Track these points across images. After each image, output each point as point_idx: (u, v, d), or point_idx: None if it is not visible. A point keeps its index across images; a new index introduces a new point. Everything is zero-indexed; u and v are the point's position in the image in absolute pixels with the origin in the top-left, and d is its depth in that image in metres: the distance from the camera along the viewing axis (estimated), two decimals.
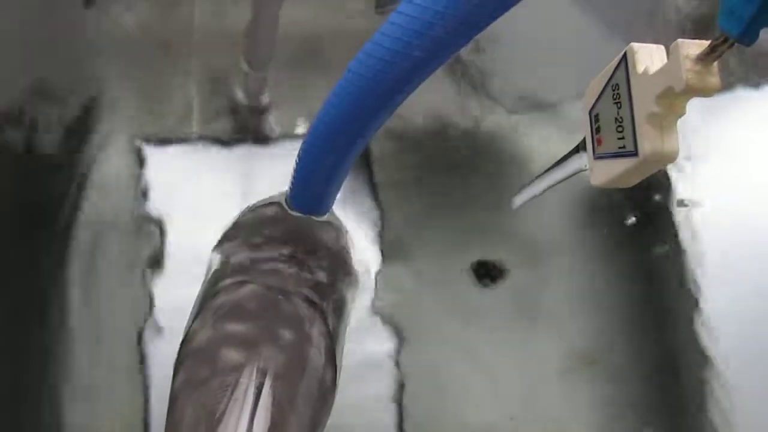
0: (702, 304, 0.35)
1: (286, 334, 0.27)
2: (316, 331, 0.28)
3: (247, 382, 0.25)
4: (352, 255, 0.32)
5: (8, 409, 0.33)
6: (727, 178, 0.37)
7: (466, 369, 0.36)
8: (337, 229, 0.32)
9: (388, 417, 0.35)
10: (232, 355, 0.26)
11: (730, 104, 0.37)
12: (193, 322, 0.28)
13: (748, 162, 0.37)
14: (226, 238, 0.32)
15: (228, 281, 0.28)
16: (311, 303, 0.29)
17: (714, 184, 0.37)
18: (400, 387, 0.35)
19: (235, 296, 0.28)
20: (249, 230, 0.31)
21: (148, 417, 0.34)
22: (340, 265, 0.32)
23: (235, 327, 0.27)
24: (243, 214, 0.32)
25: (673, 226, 0.37)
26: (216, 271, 0.30)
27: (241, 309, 0.28)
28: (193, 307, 0.29)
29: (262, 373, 0.25)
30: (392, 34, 0.19)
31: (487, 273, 0.38)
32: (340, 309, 0.31)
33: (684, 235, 0.36)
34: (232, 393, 0.24)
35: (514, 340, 0.37)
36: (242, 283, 0.28)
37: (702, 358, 0.35)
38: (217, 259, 0.31)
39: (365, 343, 0.35)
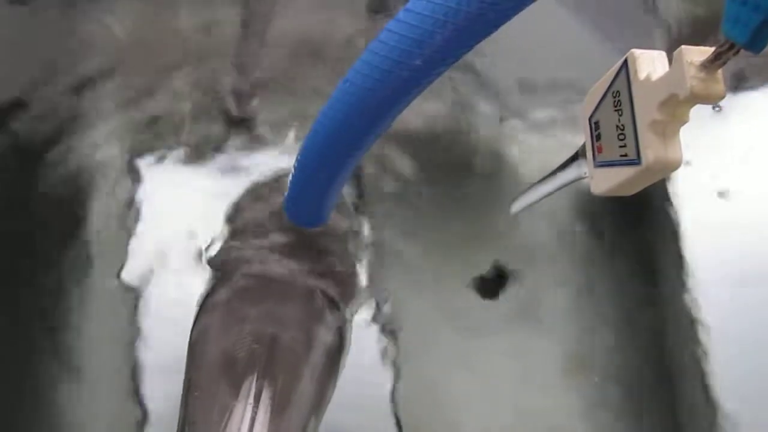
0: (700, 307, 0.35)
1: (300, 309, 0.29)
2: (326, 309, 0.30)
3: (264, 334, 0.27)
4: (362, 240, 0.33)
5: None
6: (727, 181, 0.37)
7: (464, 376, 0.36)
8: (348, 213, 0.33)
9: (385, 424, 0.35)
10: (249, 311, 0.28)
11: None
12: (215, 283, 0.31)
13: (748, 166, 0.37)
14: (241, 209, 0.33)
15: (245, 266, 0.31)
16: (322, 284, 0.30)
17: (713, 188, 0.37)
18: (397, 394, 0.35)
19: (251, 279, 0.30)
20: (272, 202, 0.32)
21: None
22: (349, 248, 0.33)
23: (250, 305, 0.29)
24: (262, 185, 0.33)
25: (672, 231, 0.37)
26: (232, 242, 0.32)
27: (256, 290, 0.30)
28: (217, 261, 0.32)
29: (278, 323, 0.27)
30: (391, 43, 0.19)
31: (484, 281, 0.38)
32: (350, 292, 0.32)
33: (682, 240, 0.36)
34: (252, 342, 0.26)
35: (512, 346, 0.37)
36: (258, 267, 0.30)
37: (700, 362, 0.35)
38: (227, 228, 0.33)
39: (362, 351, 0.35)
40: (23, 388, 0.34)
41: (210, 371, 0.26)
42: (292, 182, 0.25)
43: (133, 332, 0.35)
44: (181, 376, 0.29)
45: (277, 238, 0.30)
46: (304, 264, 0.30)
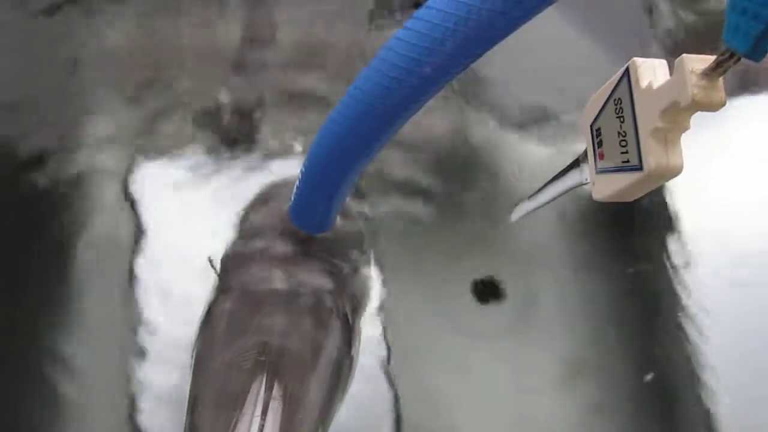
0: (700, 313, 0.36)
1: (306, 318, 0.29)
2: (332, 317, 0.30)
3: (270, 344, 0.27)
4: (366, 245, 0.34)
5: None
6: (718, 190, 0.37)
7: (462, 381, 0.36)
8: (352, 217, 0.33)
9: (385, 430, 0.35)
10: (254, 321, 0.28)
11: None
12: (219, 292, 0.30)
13: (736, 176, 0.38)
14: (248, 215, 0.33)
15: (251, 274, 0.30)
16: (328, 292, 0.30)
17: (705, 196, 0.37)
18: (395, 401, 0.35)
19: (256, 288, 0.29)
20: (276, 210, 0.32)
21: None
22: (356, 255, 0.33)
23: (255, 316, 0.28)
24: (268, 190, 0.33)
25: (666, 237, 0.37)
26: (237, 248, 0.32)
27: (261, 299, 0.29)
28: (220, 269, 0.31)
29: (283, 333, 0.27)
30: (401, 51, 0.19)
31: (481, 287, 0.38)
32: (356, 299, 0.32)
33: (675, 247, 0.37)
34: (257, 354, 0.26)
35: (510, 351, 0.37)
36: (263, 275, 0.30)
37: (695, 366, 0.36)
38: (238, 229, 0.33)
39: (361, 357, 0.35)
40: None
41: (215, 383, 0.26)
42: (298, 187, 0.25)
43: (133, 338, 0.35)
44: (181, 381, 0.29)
45: (283, 244, 0.30)
46: (310, 272, 0.30)
